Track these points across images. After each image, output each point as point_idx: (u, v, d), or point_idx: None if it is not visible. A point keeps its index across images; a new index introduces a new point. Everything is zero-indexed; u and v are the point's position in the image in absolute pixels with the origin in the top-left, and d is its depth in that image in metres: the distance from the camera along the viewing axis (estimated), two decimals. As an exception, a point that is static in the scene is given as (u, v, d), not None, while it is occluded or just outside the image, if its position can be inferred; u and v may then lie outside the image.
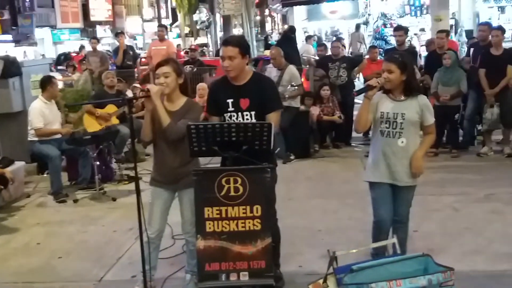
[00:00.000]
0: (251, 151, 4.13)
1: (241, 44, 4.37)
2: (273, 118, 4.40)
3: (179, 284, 4.74)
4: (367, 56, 11.59)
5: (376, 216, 4.50)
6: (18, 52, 24.32)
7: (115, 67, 13.68)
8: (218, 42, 31.04)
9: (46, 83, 7.90)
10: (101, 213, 6.94)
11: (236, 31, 37.38)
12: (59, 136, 7.83)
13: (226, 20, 33.47)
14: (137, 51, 17.97)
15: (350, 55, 16.10)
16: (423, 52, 13.74)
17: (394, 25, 14.38)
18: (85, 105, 8.94)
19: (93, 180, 7.67)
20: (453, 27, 18.11)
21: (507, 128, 8.82)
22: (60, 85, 11.02)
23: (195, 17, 41.87)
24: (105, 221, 6.64)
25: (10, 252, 5.88)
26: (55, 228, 6.53)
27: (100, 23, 39.59)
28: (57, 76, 13.70)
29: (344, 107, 9.90)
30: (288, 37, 12.66)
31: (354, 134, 9.59)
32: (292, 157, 9.03)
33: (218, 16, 34.47)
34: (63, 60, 24.34)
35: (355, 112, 8.68)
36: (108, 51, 21.03)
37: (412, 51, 10.01)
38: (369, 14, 22.18)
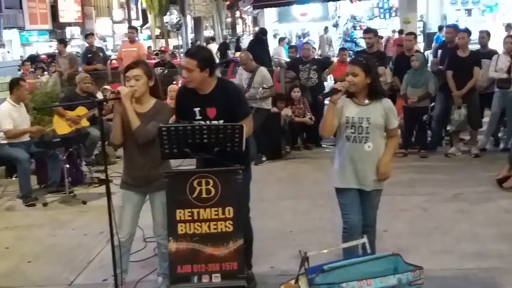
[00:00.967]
0: (225, 153, 4.14)
1: (201, 57, 4.31)
2: (246, 123, 4.38)
3: (151, 287, 4.72)
4: (337, 58, 11.68)
5: (346, 223, 4.42)
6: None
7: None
8: (189, 43, 31.00)
9: (14, 85, 7.79)
10: (71, 217, 6.86)
11: (207, 32, 37.40)
12: (28, 139, 7.74)
13: (197, 21, 33.42)
14: (107, 53, 17.86)
15: (319, 57, 16.18)
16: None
17: (364, 28, 14.50)
18: (55, 107, 8.83)
19: (63, 183, 7.58)
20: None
21: (474, 129, 8.93)
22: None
23: (166, 18, 41.70)
24: (75, 225, 6.56)
25: (-22, 257, 5.78)
26: (24, 232, 6.44)
27: (69, 24, 39.13)
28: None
29: (314, 108, 9.93)
30: (260, 39, 12.68)
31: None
32: (263, 159, 9.05)
33: (189, 17, 34.40)
34: (32, 62, 23.97)
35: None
36: (78, 52, 20.81)
37: (381, 54, 10.09)
38: (339, 17, 22.34)
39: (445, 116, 9.22)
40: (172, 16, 43.79)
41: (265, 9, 21.70)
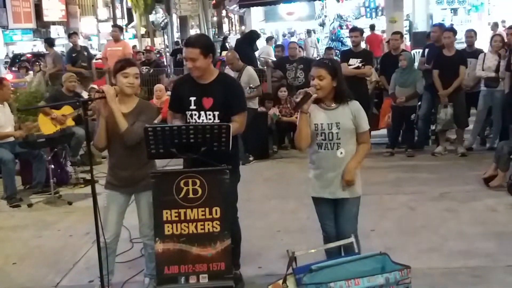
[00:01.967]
0: (214, 153, 4.13)
1: (202, 44, 4.32)
2: (240, 120, 4.40)
3: (137, 286, 4.70)
4: (323, 57, 11.69)
5: (323, 231, 4.36)
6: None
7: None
8: (176, 42, 30.88)
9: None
10: (56, 218, 6.82)
11: (193, 31, 37.27)
12: (12, 139, 7.68)
13: (183, 20, 33.32)
14: (92, 52, 17.75)
15: (306, 56, 16.21)
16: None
17: (350, 27, 14.53)
18: (40, 107, 8.78)
19: (48, 184, 7.53)
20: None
21: (460, 128, 8.99)
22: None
23: (151, 17, 41.51)
24: (61, 226, 6.53)
25: (-38, 258, 5.73)
26: (9, 233, 6.40)
27: (53, 23, 38.88)
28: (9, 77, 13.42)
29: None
30: (249, 37, 12.71)
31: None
32: (251, 158, 9.05)
33: (174, 16, 34.28)
34: (18, 61, 23.79)
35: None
36: (62, 52, 20.67)
37: (368, 52, 10.13)
38: (325, 16, 22.36)
39: (431, 115, 9.28)
40: (158, 15, 43.55)
41: (251, 8, 21.71)
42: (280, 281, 3.53)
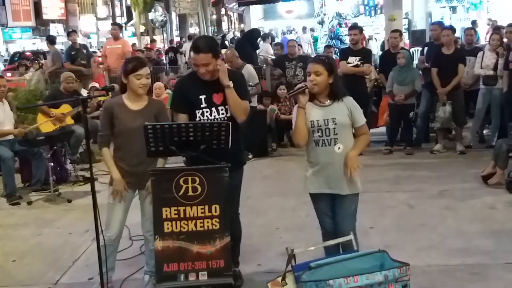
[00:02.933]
0: (217, 151, 4.14)
1: (212, 49, 4.34)
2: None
3: (138, 285, 4.72)
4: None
5: (322, 228, 4.37)
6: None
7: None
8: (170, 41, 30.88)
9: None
10: (56, 215, 6.84)
11: (192, 30, 37.30)
12: (12, 137, 7.68)
13: (182, 18, 33.35)
14: (91, 50, 17.73)
15: (306, 54, 16.21)
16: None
17: (349, 25, 14.52)
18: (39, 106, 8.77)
19: (48, 182, 7.53)
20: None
21: (459, 126, 8.99)
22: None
23: (151, 15, 41.52)
24: (61, 223, 6.54)
25: (-38, 256, 5.74)
26: (8, 231, 6.40)
27: (53, 21, 38.82)
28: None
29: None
30: (250, 36, 12.71)
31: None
32: (250, 156, 9.05)
33: (174, 14, 34.32)
34: (17, 59, 23.73)
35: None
36: (62, 50, 20.66)
37: (367, 51, 10.13)
38: (324, 14, 22.34)
39: (430, 113, 9.29)
40: (157, 13, 43.58)
41: (250, 6, 21.70)
42: (279, 279, 3.54)
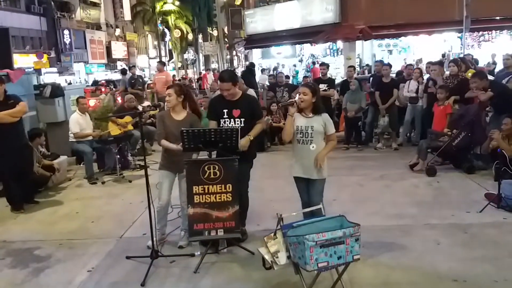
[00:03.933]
0: (231, 148, 4.18)
1: (232, 78, 4.45)
2: (261, 122, 4.58)
3: (177, 238, 4.71)
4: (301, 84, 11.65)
5: (301, 200, 4.36)
6: (61, 80, 23.61)
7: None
8: (201, 73, 30.78)
9: (77, 101, 7.89)
10: (121, 191, 6.84)
11: (213, 65, 37.18)
12: (91, 138, 7.71)
13: (206, 58, 33.29)
14: (145, 79, 17.66)
15: (289, 83, 16.18)
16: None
17: (320, 62, 14.48)
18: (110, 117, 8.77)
19: (115, 168, 7.54)
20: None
21: (394, 131, 8.99)
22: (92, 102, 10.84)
23: (185, 55, 41.47)
24: (124, 196, 6.54)
25: (57, 219, 5.74)
26: (88, 202, 6.42)
27: (118, 59, 38.79)
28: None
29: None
30: (250, 70, 12.67)
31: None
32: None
33: (201, 55, 34.23)
34: (96, 85, 23.62)
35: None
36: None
37: (332, 80, 10.10)
38: (303, 55, 22.32)
39: (374, 122, 9.29)
40: (189, 54, 43.51)
41: (253, 49, 21.69)
42: (272, 234, 3.53)
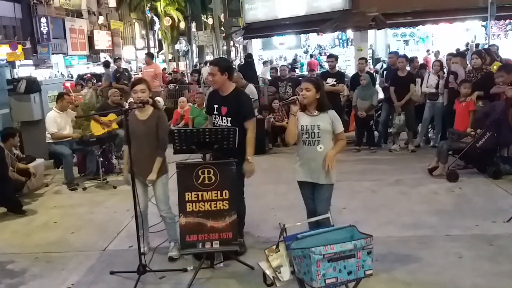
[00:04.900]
0: (228, 150, 4.18)
1: (219, 64, 4.42)
2: (249, 124, 4.46)
3: (167, 250, 4.70)
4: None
5: (306, 208, 4.34)
6: (38, 74, 23.63)
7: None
8: (194, 65, 30.84)
9: (58, 98, 7.86)
10: (104, 198, 6.84)
11: (208, 57, 37.21)
12: (70, 138, 7.71)
13: (200, 49, 33.31)
14: (131, 73, 17.67)
15: (294, 76, 16.19)
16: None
17: (327, 54, 14.52)
18: (92, 115, 8.78)
19: (98, 172, 7.55)
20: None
21: (410, 131, 8.97)
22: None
23: (176, 46, 41.51)
24: (108, 204, 6.54)
25: (33, 229, 5.75)
26: (68, 210, 6.41)
27: (102, 51, 38.83)
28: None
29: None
30: (248, 62, 12.67)
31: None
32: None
33: (194, 46, 34.26)
34: (82, 79, 23.58)
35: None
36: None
37: (341, 73, 10.11)
38: (308, 46, 22.34)
39: (389, 121, 9.28)
40: (181, 45, 43.57)
41: (252, 39, 21.69)
42: (274, 247, 3.53)
